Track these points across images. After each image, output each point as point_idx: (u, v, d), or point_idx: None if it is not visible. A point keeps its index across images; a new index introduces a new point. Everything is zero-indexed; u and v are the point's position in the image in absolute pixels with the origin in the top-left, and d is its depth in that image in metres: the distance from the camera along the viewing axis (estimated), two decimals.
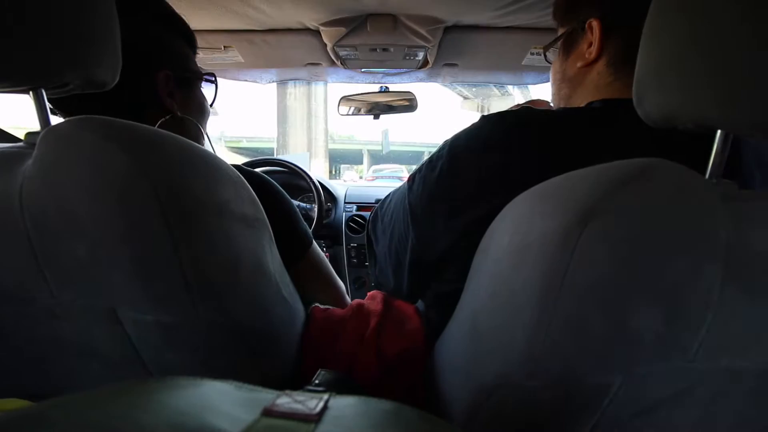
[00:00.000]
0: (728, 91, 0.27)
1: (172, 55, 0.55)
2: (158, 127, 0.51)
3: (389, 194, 0.62)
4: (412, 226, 0.51)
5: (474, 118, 0.50)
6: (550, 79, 0.59)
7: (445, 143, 0.49)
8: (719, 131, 0.30)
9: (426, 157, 0.54)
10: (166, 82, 0.53)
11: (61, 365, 0.40)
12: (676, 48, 0.29)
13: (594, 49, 0.48)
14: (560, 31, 0.55)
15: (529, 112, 0.45)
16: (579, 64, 0.50)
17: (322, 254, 0.65)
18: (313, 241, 0.62)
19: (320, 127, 7.85)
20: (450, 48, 1.00)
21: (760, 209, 0.29)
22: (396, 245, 0.56)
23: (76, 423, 0.15)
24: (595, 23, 0.48)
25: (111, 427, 0.15)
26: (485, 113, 0.50)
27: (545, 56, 0.59)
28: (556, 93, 0.57)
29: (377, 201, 1.50)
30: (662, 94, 0.31)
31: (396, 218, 0.55)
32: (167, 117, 0.54)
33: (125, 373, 0.39)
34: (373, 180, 8.30)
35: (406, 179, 0.56)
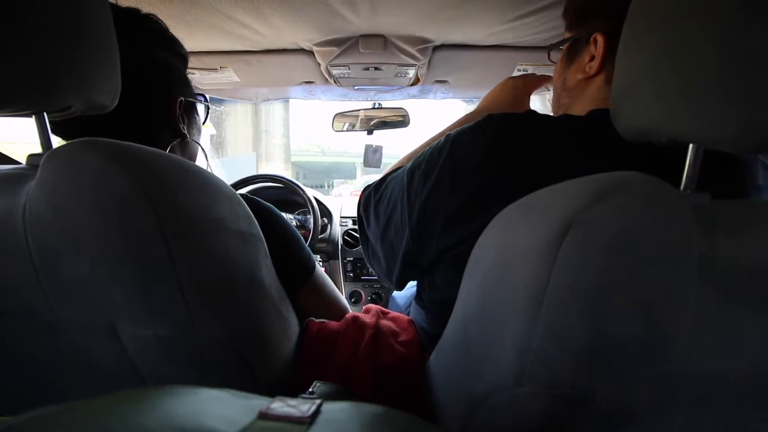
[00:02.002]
0: (697, 107, 0.28)
1: (181, 81, 0.58)
2: (169, 150, 0.54)
3: (386, 177, 0.61)
4: (409, 223, 0.51)
5: None
6: (552, 84, 0.59)
7: (448, 139, 0.48)
8: (691, 145, 0.31)
9: None
10: (178, 107, 0.56)
11: (59, 380, 0.41)
12: (648, 65, 0.31)
13: (595, 64, 0.48)
14: (567, 35, 0.55)
15: (533, 117, 0.45)
16: (579, 77, 0.51)
17: (325, 276, 0.66)
18: (317, 265, 0.63)
19: (276, 116, 5.06)
20: (440, 66, 1.02)
21: (731, 218, 0.30)
22: (391, 235, 0.55)
23: (81, 425, 0.16)
24: (600, 38, 0.47)
25: (113, 428, 0.16)
26: None
27: (549, 55, 0.59)
28: (556, 101, 0.57)
29: None
30: (636, 109, 0.32)
31: (393, 209, 0.54)
32: (177, 140, 0.57)
33: (123, 387, 0.39)
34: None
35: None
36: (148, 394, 0.20)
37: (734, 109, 0.27)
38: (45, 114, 0.36)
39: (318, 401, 0.21)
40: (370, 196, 0.62)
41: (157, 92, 0.54)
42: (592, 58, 0.49)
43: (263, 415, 0.19)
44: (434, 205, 0.48)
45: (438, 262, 0.50)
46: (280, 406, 0.20)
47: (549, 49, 0.57)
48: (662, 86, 0.30)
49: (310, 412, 0.19)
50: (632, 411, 0.34)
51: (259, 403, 0.21)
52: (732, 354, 0.31)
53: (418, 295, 0.62)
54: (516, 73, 1.04)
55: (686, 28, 0.28)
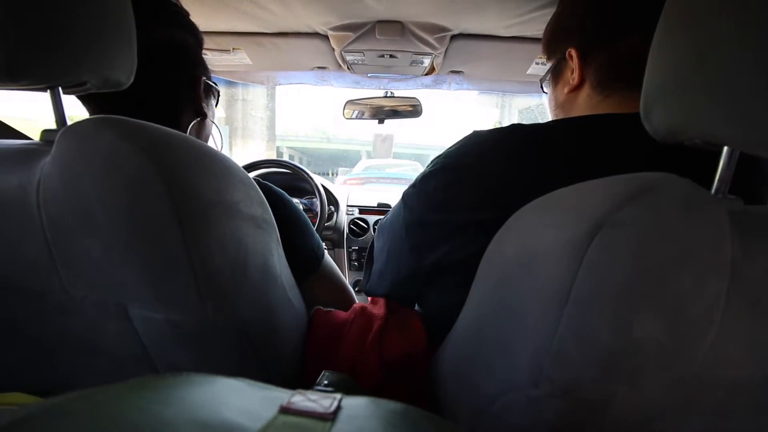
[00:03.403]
0: (735, 108, 0.27)
1: (202, 62, 0.59)
2: (189, 129, 0.55)
3: (390, 210, 0.63)
4: (408, 239, 0.52)
5: (492, 114, 0.52)
6: (548, 107, 0.63)
7: (438, 159, 0.51)
8: (725, 147, 0.30)
9: None
10: (201, 87, 0.57)
11: (68, 361, 0.41)
12: (684, 64, 0.29)
13: (576, 75, 0.52)
14: (549, 65, 0.60)
15: (519, 127, 0.47)
16: (566, 90, 0.55)
17: (333, 264, 0.66)
18: (326, 253, 0.64)
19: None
20: (456, 56, 1.00)
21: (765, 225, 0.30)
22: (393, 254, 0.57)
23: (99, 415, 0.15)
24: (573, 51, 0.52)
25: (133, 419, 0.15)
26: (505, 108, 0.52)
27: (542, 87, 0.63)
28: (554, 119, 0.59)
29: (379, 205, 1.51)
30: (669, 109, 0.31)
31: (392, 228, 0.56)
32: (197, 120, 0.58)
33: (132, 370, 0.39)
34: (362, 183, 4.57)
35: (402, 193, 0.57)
36: (164, 383, 0.19)
37: None
38: (60, 89, 0.36)
39: (338, 396, 0.20)
40: (378, 231, 0.65)
41: (184, 70, 0.55)
42: (572, 71, 0.53)
43: (285, 410, 0.18)
44: (429, 217, 0.49)
45: (439, 270, 0.51)
46: (301, 400, 0.19)
47: (541, 81, 0.64)
48: (697, 87, 0.29)
49: (333, 408, 0.19)
50: (649, 416, 0.33)
51: (277, 395, 0.20)
52: (757, 362, 0.30)
53: (421, 303, 0.62)
54: (534, 66, 1.02)
55: (722, 27, 0.27)
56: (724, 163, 0.31)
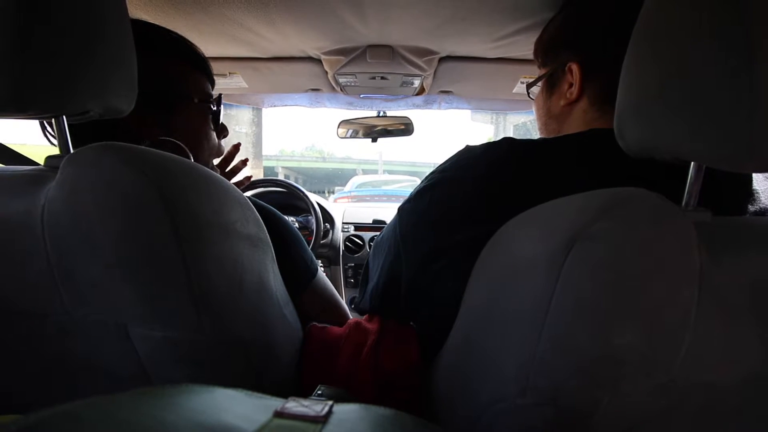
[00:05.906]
0: (698, 126, 0.29)
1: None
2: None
3: (385, 226, 0.64)
4: (404, 252, 0.53)
5: (485, 131, 0.52)
6: (535, 115, 0.62)
7: (433, 174, 0.52)
8: (692, 162, 0.32)
9: None
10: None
11: (66, 381, 0.41)
12: (653, 85, 0.32)
13: (575, 90, 0.51)
14: (541, 72, 0.58)
15: (511, 142, 0.48)
16: (562, 103, 0.53)
17: (327, 280, 0.67)
18: (318, 269, 0.64)
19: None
20: (445, 76, 1.04)
21: (731, 235, 0.31)
22: (386, 276, 0.57)
23: (107, 420, 0.16)
24: (575, 67, 0.51)
25: (138, 423, 0.16)
26: (499, 124, 0.52)
27: (528, 93, 0.63)
28: (544, 128, 0.59)
29: (374, 221, 1.53)
30: (640, 127, 0.33)
31: (388, 250, 0.57)
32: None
33: (130, 388, 0.40)
34: (355, 201, 4.27)
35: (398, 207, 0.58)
36: (166, 392, 0.20)
37: (734, 129, 0.28)
38: (64, 117, 0.37)
39: (330, 402, 0.22)
40: (373, 248, 0.65)
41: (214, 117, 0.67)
42: (571, 85, 0.52)
43: (279, 414, 0.19)
44: (424, 233, 0.50)
45: (433, 285, 0.52)
46: (295, 405, 0.20)
47: (528, 87, 0.62)
48: (665, 106, 0.31)
49: (324, 411, 0.20)
50: (634, 422, 0.34)
51: (272, 402, 0.22)
52: (732, 367, 0.31)
53: (415, 318, 0.62)
54: (519, 86, 1.06)
55: (684, 54, 0.29)
56: (692, 177, 0.32)
